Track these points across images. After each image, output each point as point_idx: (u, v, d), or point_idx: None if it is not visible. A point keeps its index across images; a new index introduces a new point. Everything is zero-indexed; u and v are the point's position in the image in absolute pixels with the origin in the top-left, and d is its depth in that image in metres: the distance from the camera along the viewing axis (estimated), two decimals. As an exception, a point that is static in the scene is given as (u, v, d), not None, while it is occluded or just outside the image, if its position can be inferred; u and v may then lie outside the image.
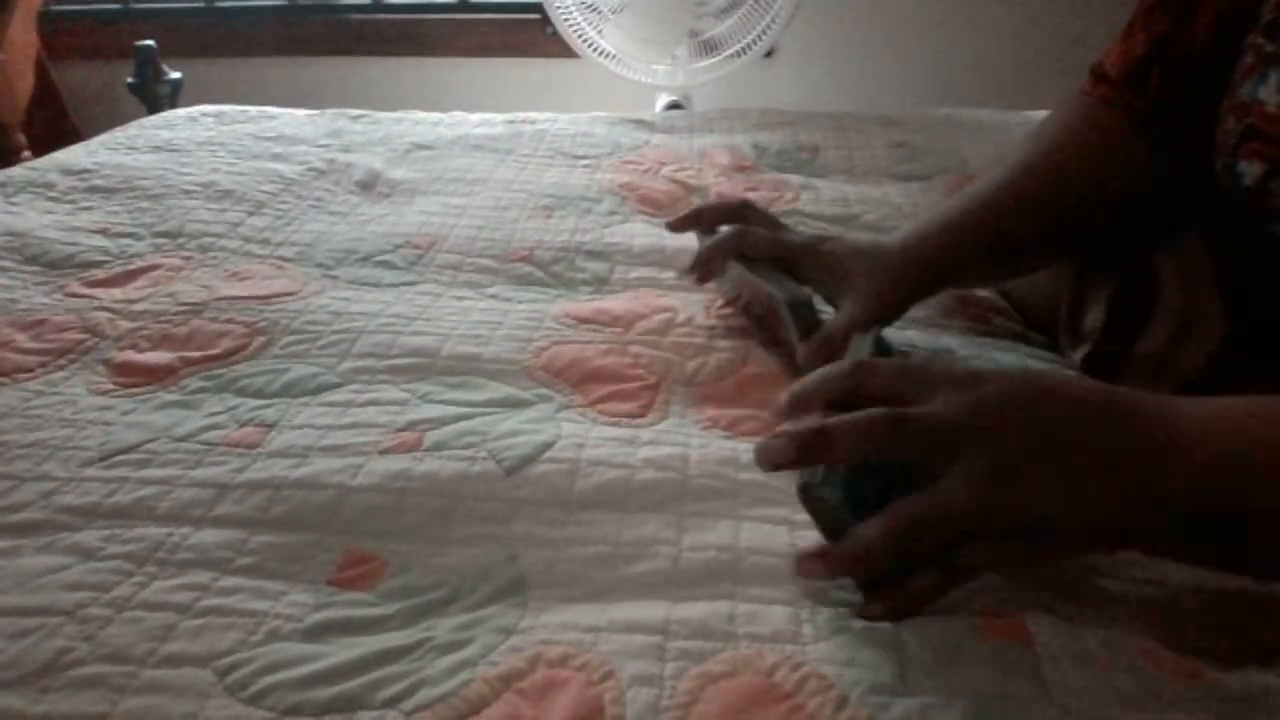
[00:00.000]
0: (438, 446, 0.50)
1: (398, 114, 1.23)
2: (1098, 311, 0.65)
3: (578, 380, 0.58)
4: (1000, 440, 0.38)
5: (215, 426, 0.53)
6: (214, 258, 0.77)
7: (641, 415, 0.54)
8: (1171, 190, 0.61)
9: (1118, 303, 0.64)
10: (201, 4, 2.27)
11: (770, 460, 0.41)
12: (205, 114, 1.19)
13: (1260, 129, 0.50)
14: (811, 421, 0.41)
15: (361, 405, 0.55)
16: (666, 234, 0.83)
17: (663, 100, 1.84)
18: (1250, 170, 0.50)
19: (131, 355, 0.61)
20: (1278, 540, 0.38)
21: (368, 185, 0.96)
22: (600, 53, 1.73)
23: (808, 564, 0.41)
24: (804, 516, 0.46)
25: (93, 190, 0.90)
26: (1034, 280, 0.73)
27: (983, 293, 0.76)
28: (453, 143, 1.09)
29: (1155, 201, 0.62)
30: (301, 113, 1.21)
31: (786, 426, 0.43)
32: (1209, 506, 0.37)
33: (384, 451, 0.50)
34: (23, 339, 0.62)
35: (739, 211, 0.68)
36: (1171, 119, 0.59)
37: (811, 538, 0.44)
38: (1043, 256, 0.66)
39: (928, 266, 0.61)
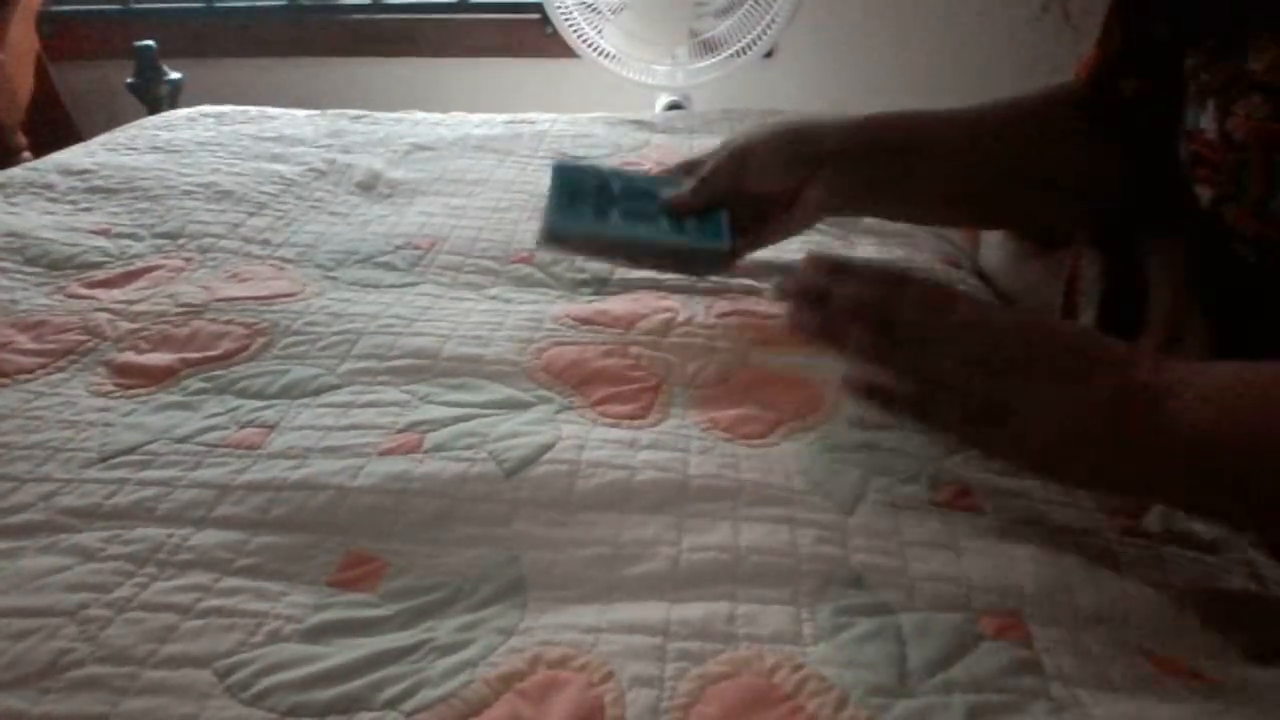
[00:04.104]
0: (438, 448, 0.50)
1: (398, 114, 1.23)
2: (1090, 316, 0.65)
3: (578, 381, 0.58)
4: (985, 345, 0.43)
5: (215, 428, 0.53)
6: (214, 259, 0.77)
7: (642, 416, 0.54)
8: (1150, 190, 0.61)
9: (1108, 307, 0.64)
10: (201, 4, 2.27)
11: (793, 317, 0.47)
12: (205, 114, 1.19)
13: (1204, 156, 0.51)
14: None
15: (362, 406, 0.55)
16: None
17: (663, 100, 1.84)
18: (1204, 194, 0.51)
19: (132, 356, 0.61)
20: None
21: (368, 186, 0.96)
22: (600, 53, 1.73)
23: (794, 315, 0.47)
24: (805, 516, 0.46)
25: (93, 191, 0.90)
26: (1031, 284, 0.73)
27: (984, 295, 0.76)
28: (453, 143, 1.10)
29: (1134, 200, 0.63)
30: (301, 113, 1.21)
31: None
32: (1217, 450, 0.38)
33: (384, 453, 0.50)
34: (23, 340, 0.62)
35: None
36: (1143, 122, 0.60)
37: (812, 535, 0.44)
38: (955, 195, 0.68)
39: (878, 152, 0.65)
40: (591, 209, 0.66)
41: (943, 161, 0.65)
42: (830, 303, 0.46)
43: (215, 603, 0.40)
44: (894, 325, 0.44)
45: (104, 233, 0.81)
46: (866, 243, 0.81)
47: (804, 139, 0.65)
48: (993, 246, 0.83)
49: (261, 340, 0.62)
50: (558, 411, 0.55)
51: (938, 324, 0.44)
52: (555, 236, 0.66)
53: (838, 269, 0.48)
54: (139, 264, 0.75)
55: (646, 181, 0.71)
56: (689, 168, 0.70)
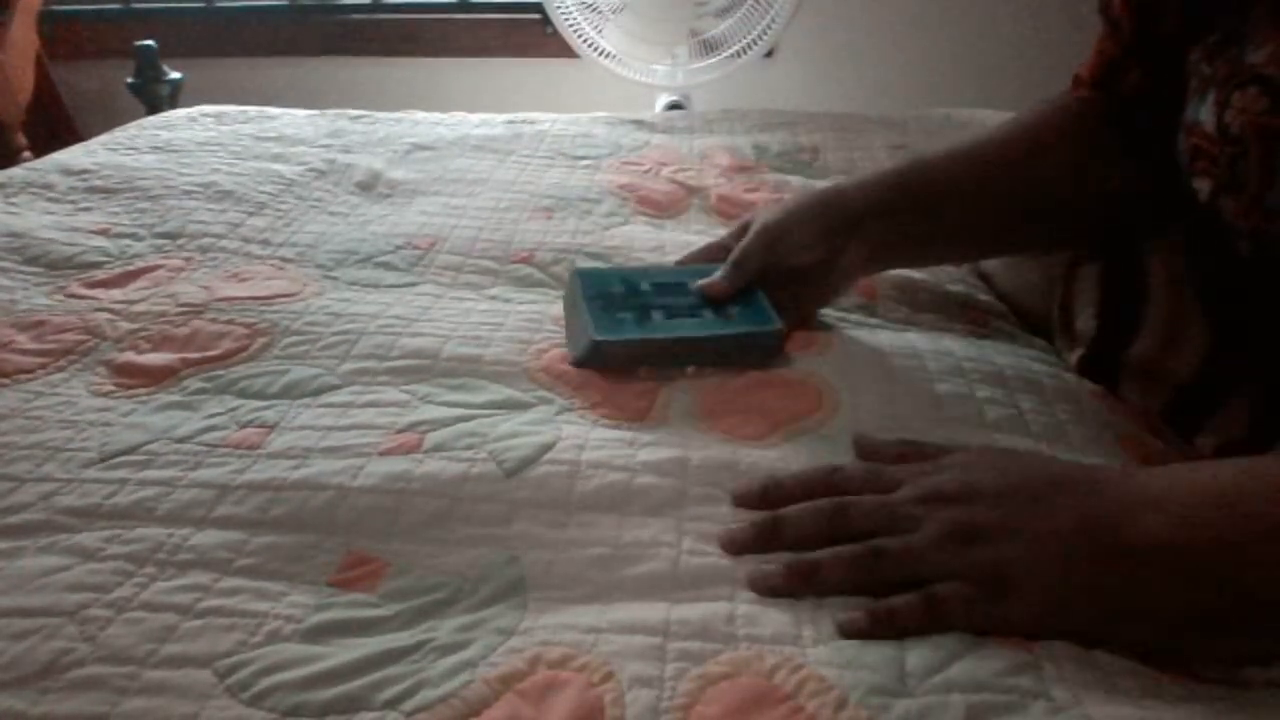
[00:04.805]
0: (438, 448, 0.50)
1: (398, 114, 1.23)
2: (1088, 314, 0.65)
3: (578, 382, 0.58)
4: (969, 508, 0.41)
5: (215, 428, 0.53)
6: (214, 258, 0.77)
7: (642, 417, 0.54)
8: (1151, 189, 0.61)
9: (1108, 305, 0.64)
10: (201, 4, 2.27)
11: (758, 584, 0.42)
12: (205, 114, 1.19)
13: (1202, 149, 0.51)
14: (801, 556, 0.43)
15: (362, 406, 0.55)
16: (666, 235, 0.83)
17: (663, 100, 1.84)
18: (1203, 188, 0.51)
19: (132, 356, 0.61)
20: (1261, 592, 0.37)
21: (368, 186, 0.96)
22: (600, 53, 1.73)
23: (759, 578, 0.42)
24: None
25: (93, 191, 0.90)
26: (1030, 283, 0.73)
27: (984, 296, 0.76)
28: (453, 143, 1.10)
29: (1135, 199, 0.63)
30: (301, 113, 1.21)
31: (754, 520, 0.45)
32: (1184, 559, 0.37)
33: (384, 453, 0.50)
34: (23, 340, 0.62)
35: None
36: (1145, 120, 0.60)
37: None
38: (988, 232, 0.67)
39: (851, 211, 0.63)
40: (632, 314, 0.59)
41: (968, 204, 0.64)
42: (783, 533, 0.44)
43: (215, 603, 0.40)
44: (856, 535, 0.42)
45: (104, 232, 0.81)
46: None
47: (833, 206, 0.63)
48: None
49: (262, 340, 0.62)
50: (558, 412, 0.55)
51: (900, 513, 0.42)
52: (601, 350, 0.57)
53: (767, 494, 0.46)
54: (139, 264, 0.75)
55: (674, 274, 0.65)
56: (711, 253, 0.67)
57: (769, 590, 0.41)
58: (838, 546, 0.42)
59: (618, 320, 0.59)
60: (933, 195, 0.64)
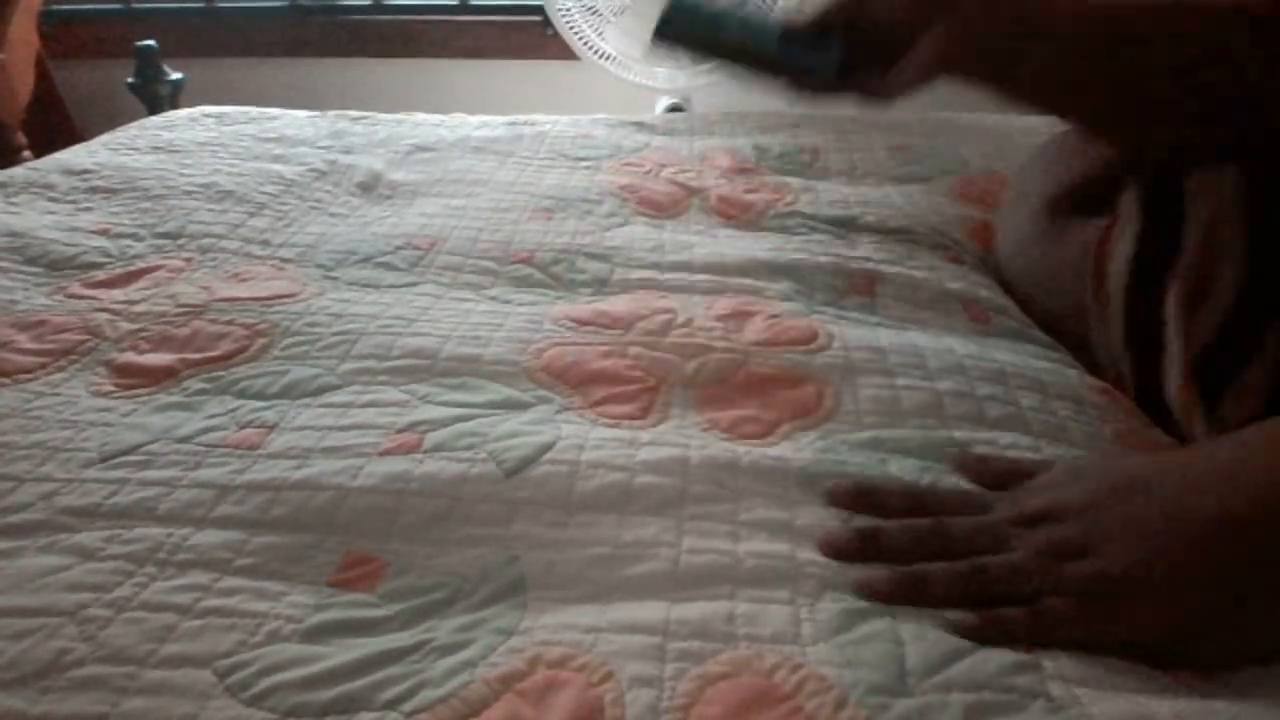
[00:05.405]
0: (438, 448, 0.50)
1: (398, 115, 1.23)
2: (1118, 282, 0.62)
3: (578, 382, 0.58)
4: (1062, 526, 0.42)
5: (216, 428, 0.53)
6: (214, 259, 0.77)
7: (641, 417, 0.54)
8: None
9: (1140, 273, 0.61)
10: (202, 4, 2.28)
11: (866, 590, 0.42)
12: (206, 114, 1.20)
13: None
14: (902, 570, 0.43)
15: (361, 407, 0.55)
16: (666, 235, 0.83)
17: (663, 102, 1.84)
18: None
19: (132, 357, 0.61)
20: None
21: (368, 187, 0.96)
22: (601, 55, 1.73)
23: (866, 584, 0.42)
24: (805, 521, 0.46)
25: (93, 191, 0.90)
26: (1055, 258, 0.71)
27: (985, 292, 0.76)
28: (453, 144, 1.10)
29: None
30: (302, 114, 1.21)
31: (856, 524, 0.46)
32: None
33: (384, 453, 0.50)
34: (23, 340, 0.62)
35: None
36: None
37: (812, 535, 0.44)
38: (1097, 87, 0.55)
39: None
40: (710, 13, 0.67)
41: (1095, 47, 0.54)
42: (881, 545, 0.44)
43: (215, 603, 0.41)
44: (952, 554, 0.43)
45: (104, 233, 0.81)
46: (865, 241, 0.81)
47: None
48: (1006, 216, 0.82)
49: (262, 341, 0.62)
50: (557, 412, 0.55)
51: (996, 534, 0.43)
52: (672, 21, 0.66)
53: (863, 497, 0.47)
54: (139, 264, 0.75)
55: (764, 13, 0.74)
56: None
57: (876, 596, 0.41)
58: (940, 562, 0.43)
59: (696, 8, 0.67)
60: (1047, 11, 0.54)
